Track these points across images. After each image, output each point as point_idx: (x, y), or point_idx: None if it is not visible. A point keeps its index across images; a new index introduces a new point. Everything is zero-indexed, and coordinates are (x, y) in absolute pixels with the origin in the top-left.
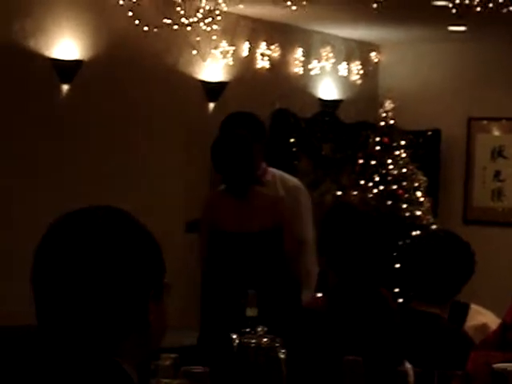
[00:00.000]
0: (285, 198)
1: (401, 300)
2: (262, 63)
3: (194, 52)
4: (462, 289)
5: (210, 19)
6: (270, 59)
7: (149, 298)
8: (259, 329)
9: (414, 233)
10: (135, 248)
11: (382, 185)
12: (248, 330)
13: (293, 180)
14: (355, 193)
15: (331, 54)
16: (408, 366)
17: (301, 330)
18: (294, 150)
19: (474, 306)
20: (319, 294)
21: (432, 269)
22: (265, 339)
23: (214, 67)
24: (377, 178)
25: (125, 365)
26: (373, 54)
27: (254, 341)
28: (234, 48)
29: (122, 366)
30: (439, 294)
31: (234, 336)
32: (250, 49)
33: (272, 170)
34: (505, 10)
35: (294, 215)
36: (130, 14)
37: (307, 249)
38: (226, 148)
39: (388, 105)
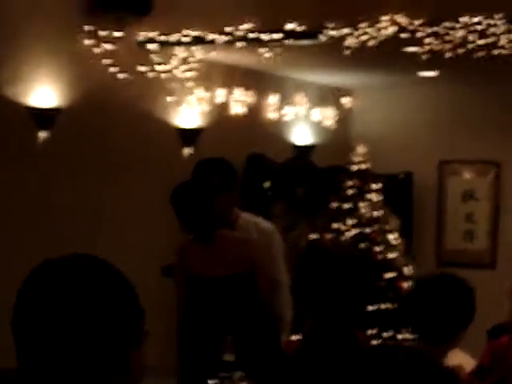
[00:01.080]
0: (257, 240)
1: (376, 342)
2: (237, 109)
3: (170, 98)
4: (457, 335)
5: (185, 66)
6: (245, 105)
7: (130, 346)
8: (237, 374)
9: (388, 275)
10: (115, 297)
11: (356, 228)
12: (226, 374)
13: (265, 223)
14: (329, 236)
15: (305, 100)
16: None
17: (276, 374)
18: (268, 193)
19: None
20: (294, 337)
21: (424, 311)
22: None
23: (189, 113)
24: (350, 222)
25: None
26: (346, 100)
27: None
28: (209, 94)
29: None
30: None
31: (212, 381)
32: (225, 95)
33: (244, 214)
34: (475, 56)
35: (267, 257)
36: (107, 61)
37: (281, 290)
38: (183, 198)
39: (360, 149)
